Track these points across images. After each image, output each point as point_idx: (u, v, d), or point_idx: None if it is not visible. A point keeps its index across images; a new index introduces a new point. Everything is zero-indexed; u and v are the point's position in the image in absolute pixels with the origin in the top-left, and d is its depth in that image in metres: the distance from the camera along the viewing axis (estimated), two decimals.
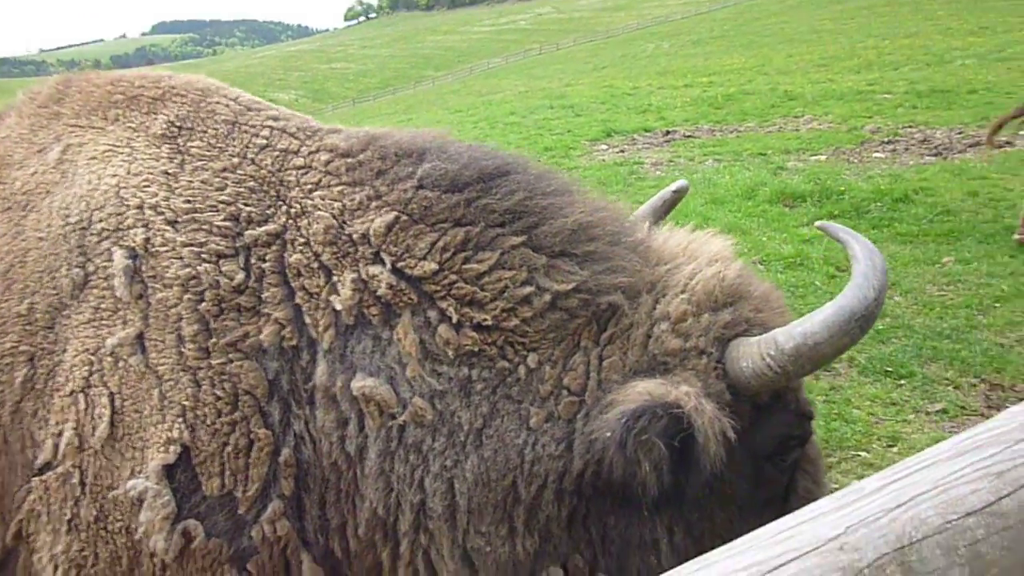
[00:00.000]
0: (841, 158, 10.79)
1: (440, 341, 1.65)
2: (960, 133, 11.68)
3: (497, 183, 1.75)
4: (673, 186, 2.21)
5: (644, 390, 1.52)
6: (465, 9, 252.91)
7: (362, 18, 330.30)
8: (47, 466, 1.74)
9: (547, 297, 1.64)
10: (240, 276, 1.73)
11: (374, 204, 1.75)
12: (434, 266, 1.67)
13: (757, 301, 1.68)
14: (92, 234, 1.80)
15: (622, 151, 13.01)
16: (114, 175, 1.87)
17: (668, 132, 14.39)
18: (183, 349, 1.70)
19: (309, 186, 1.80)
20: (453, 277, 1.66)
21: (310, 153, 1.86)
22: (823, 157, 10.87)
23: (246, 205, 1.80)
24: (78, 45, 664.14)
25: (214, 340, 1.70)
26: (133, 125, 1.98)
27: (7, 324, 1.80)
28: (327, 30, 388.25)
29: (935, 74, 19.30)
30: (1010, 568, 0.97)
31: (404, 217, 1.72)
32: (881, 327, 5.15)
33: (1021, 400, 4.29)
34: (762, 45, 39.72)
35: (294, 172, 1.83)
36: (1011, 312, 5.29)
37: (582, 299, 1.66)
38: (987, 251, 6.48)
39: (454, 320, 1.65)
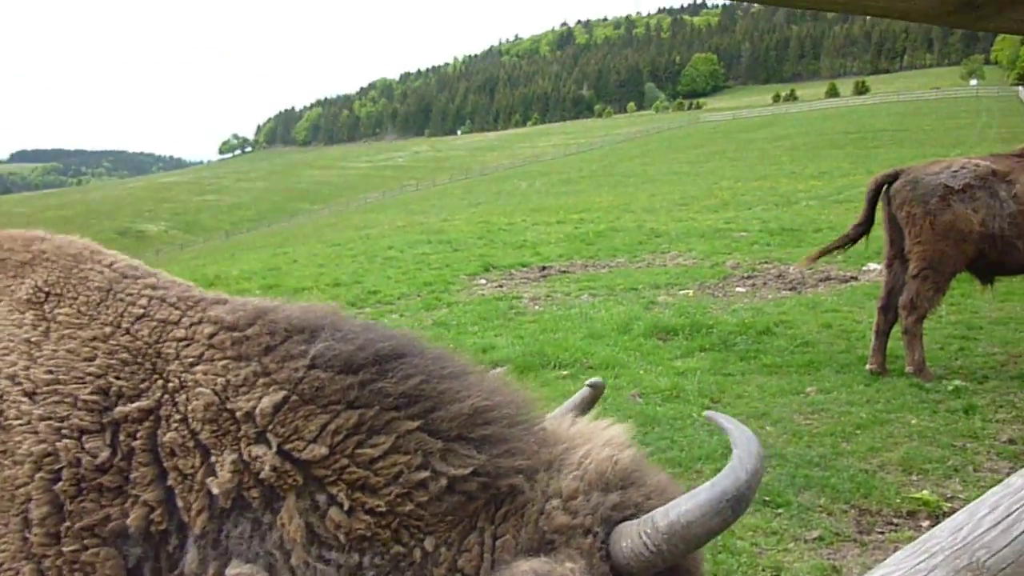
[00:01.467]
0: (707, 292, 11.42)
1: (330, 525, 1.56)
2: (810, 269, 12.63)
3: (393, 366, 1.70)
4: (589, 382, 2.15)
5: (528, 569, 1.48)
6: (342, 145, 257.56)
7: (238, 151, 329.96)
8: None
9: (443, 481, 1.59)
10: (105, 454, 1.60)
11: (261, 381, 1.66)
12: (324, 450, 1.59)
13: (650, 489, 1.65)
14: None
15: (500, 286, 13.31)
16: None
17: (544, 267, 14.88)
18: (28, 534, 1.55)
19: (190, 360, 1.70)
20: (345, 461, 1.58)
21: (192, 324, 1.77)
22: (690, 291, 11.47)
23: (117, 378, 1.68)
24: None
25: (68, 524, 1.55)
26: None
27: None
28: (201, 162, 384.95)
29: (784, 214, 20.99)
30: None
31: (294, 397, 1.63)
32: None
33: (888, 524, 4.46)
34: (627, 185, 42.21)
35: (173, 344, 1.73)
36: (871, 439, 5.62)
37: (480, 482, 1.62)
38: (844, 380, 6.92)
39: (345, 506, 1.57)
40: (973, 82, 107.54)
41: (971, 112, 64.60)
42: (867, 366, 7.12)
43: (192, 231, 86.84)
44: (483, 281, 13.91)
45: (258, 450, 1.59)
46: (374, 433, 1.60)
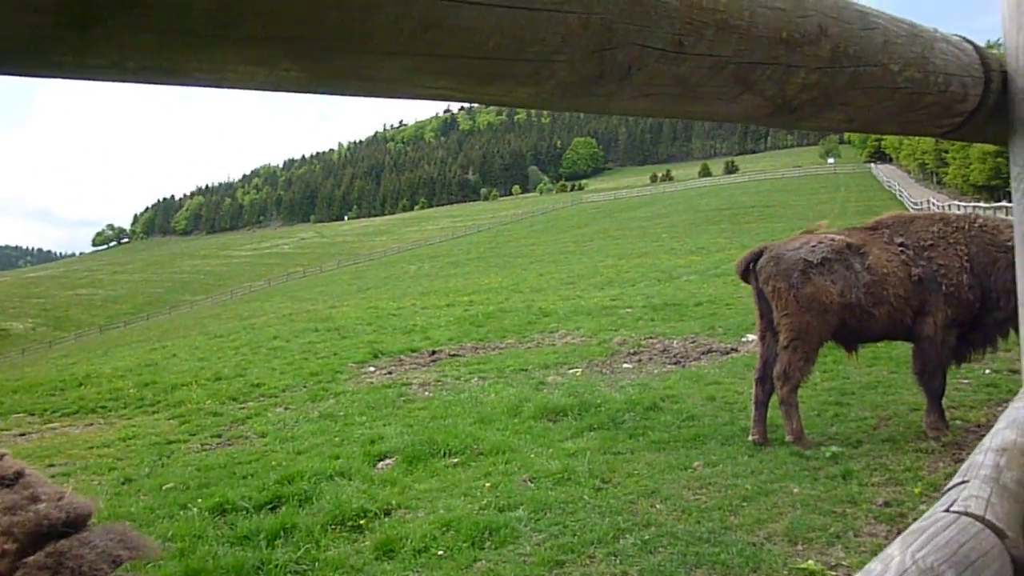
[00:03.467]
0: (595, 370, 11.55)
1: None
2: (693, 342, 13.02)
3: None
4: None
5: None
6: (225, 234, 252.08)
7: (113, 243, 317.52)
8: None
9: None
10: None
11: None
12: None
13: None
14: None
15: (390, 372, 13.09)
16: None
17: (434, 352, 14.76)
18: None
19: None
20: None
21: None
22: (579, 370, 11.58)
23: None
24: None
25: None
26: None
27: None
28: (74, 255, 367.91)
29: (666, 289, 21.69)
30: None
31: None
32: (648, 537, 5.34)
33: None
34: (515, 266, 42.82)
35: None
36: (757, 510, 5.71)
37: None
38: (729, 452, 7.06)
39: None
40: (831, 160, 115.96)
41: (830, 188, 69.45)
42: (749, 437, 7.29)
43: (63, 327, 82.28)
44: (372, 368, 13.64)
45: None
46: None
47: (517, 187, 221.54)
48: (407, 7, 0.56)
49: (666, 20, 0.73)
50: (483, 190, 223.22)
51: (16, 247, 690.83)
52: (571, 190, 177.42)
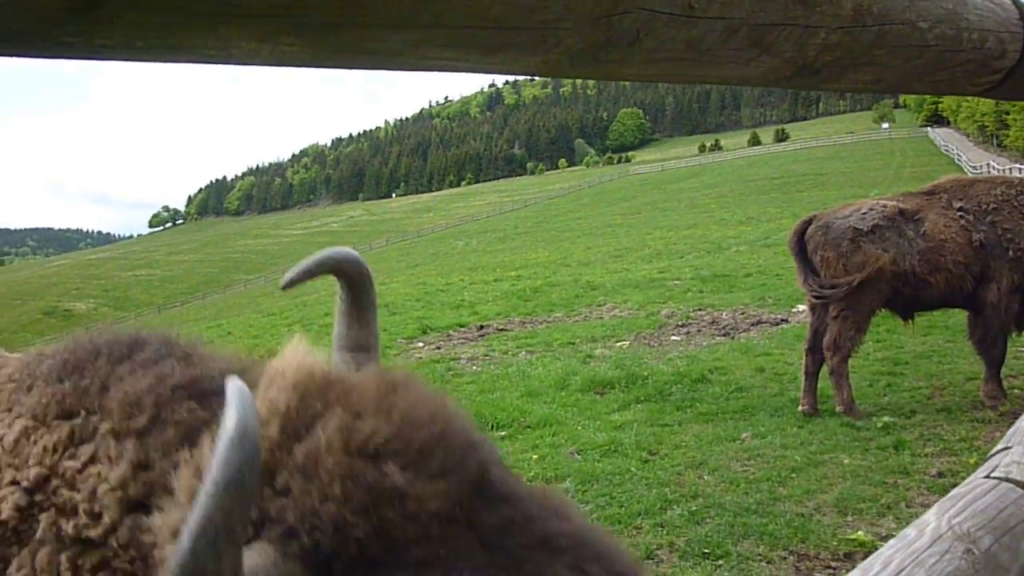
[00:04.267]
0: (642, 343, 11.51)
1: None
2: (742, 313, 12.87)
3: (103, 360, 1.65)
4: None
5: None
6: (276, 214, 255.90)
7: (169, 224, 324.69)
8: None
9: None
10: None
11: (16, 419, 1.61)
12: (44, 471, 1.48)
13: None
14: None
15: (438, 347, 13.21)
16: None
17: (482, 326, 14.84)
18: None
19: None
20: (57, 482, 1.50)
21: None
22: (626, 343, 11.55)
23: None
24: None
25: None
26: None
27: None
28: (132, 236, 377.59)
29: (715, 260, 21.44)
30: None
31: (29, 424, 1.57)
32: (695, 508, 5.33)
33: (827, 568, 4.47)
34: (562, 240, 42.72)
35: None
36: (807, 481, 5.66)
37: None
38: (778, 424, 6.99)
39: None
40: (884, 126, 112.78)
41: (885, 154, 67.58)
42: (799, 408, 7.21)
43: (123, 307, 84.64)
44: (420, 344, 13.79)
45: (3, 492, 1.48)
46: (81, 443, 1.48)
47: (563, 161, 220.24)
48: None
49: None
50: (529, 164, 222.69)
51: (77, 230, 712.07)
52: (618, 162, 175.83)
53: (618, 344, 11.56)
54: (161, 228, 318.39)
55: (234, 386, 0.89)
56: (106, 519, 1.33)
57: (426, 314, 17.52)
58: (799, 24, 0.87)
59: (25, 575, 1.37)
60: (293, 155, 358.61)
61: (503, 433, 7.52)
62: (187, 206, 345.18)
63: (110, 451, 1.38)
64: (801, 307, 12.10)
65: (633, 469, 6.10)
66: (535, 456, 6.65)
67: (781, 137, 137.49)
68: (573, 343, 11.97)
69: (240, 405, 0.89)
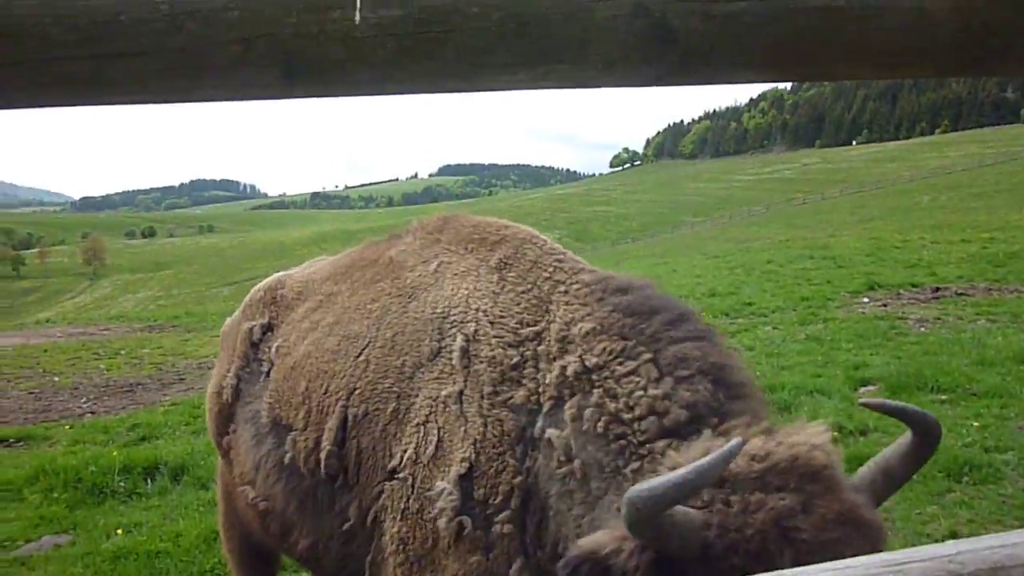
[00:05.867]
0: None
1: (589, 422, 2.21)
2: None
3: (658, 317, 2.33)
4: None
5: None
6: (729, 158, 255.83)
7: (627, 165, 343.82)
8: (394, 471, 2.54)
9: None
10: (516, 359, 2.46)
11: (587, 317, 2.40)
12: (600, 362, 2.27)
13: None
14: (447, 323, 2.65)
15: (884, 305, 12.70)
16: (466, 288, 2.74)
17: (938, 289, 13.81)
18: (481, 403, 2.42)
19: (563, 305, 2.51)
20: (607, 373, 2.24)
21: (570, 283, 2.58)
22: None
23: (528, 315, 2.55)
24: (376, 184, 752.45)
25: (498, 398, 2.41)
26: (480, 257, 2.85)
27: (389, 372, 2.68)
28: (594, 175, 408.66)
29: None
30: None
31: (597, 327, 2.34)
32: None
33: None
34: None
35: (557, 295, 2.56)
36: None
37: (676, 416, 2.09)
38: None
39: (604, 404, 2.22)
40: None
41: None
42: None
43: (583, 239, 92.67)
44: (866, 300, 13.37)
45: (570, 359, 2.33)
46: (628, 359, 2.24)
47: None
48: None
49: None
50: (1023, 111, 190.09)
51: (548, 167, 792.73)
52: None
53: None
54: (620, 168, 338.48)
55: (737, 443, 1.66)
56: (636, 412, 2.20)
57: (876, 270, 16.72)
58: None
59: (571, 415, 2.31)
60: (751, 99, 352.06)
61: (944, 397, 7.26)
62: (645, 148, 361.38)
63: (650, 374, 2.26)
64: None
65: None
66: (976, 424, 6.39)
67: None
68: None
69: (733, 448, 1.65)
